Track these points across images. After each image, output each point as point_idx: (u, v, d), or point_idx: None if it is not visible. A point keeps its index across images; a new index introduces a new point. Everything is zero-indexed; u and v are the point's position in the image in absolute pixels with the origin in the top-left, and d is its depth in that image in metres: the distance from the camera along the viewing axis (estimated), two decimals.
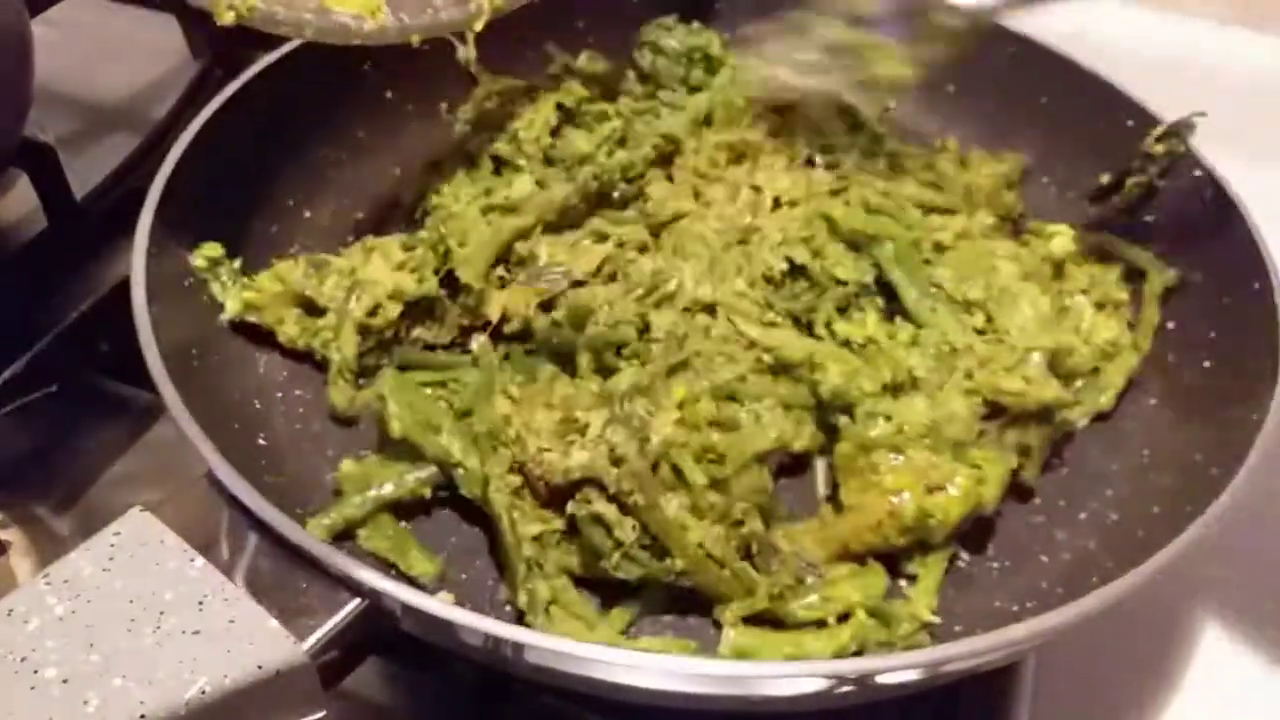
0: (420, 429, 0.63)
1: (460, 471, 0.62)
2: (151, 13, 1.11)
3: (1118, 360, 0.72)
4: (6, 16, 0.79)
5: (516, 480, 0.61)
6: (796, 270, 0.74)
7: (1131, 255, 0.78)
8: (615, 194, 0.78)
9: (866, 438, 0.63)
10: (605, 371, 0.69)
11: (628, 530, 0.59)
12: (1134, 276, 0.78)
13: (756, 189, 0.80)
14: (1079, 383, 0.71)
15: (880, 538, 0.62)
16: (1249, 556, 0.74)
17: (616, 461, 0.59)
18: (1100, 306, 0.76)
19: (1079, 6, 1.14)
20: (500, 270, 0.72)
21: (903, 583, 0.64)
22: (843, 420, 0.66)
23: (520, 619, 0.59)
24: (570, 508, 0.60)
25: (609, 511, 0.59)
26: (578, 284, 0.72)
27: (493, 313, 0.71)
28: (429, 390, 0.67)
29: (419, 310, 0.72)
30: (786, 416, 0.67)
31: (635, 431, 0.60)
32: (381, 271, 0.71)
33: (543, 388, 0.66)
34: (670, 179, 0.82)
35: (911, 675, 0.51)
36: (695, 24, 0.92)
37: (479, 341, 0.72)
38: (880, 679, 0.50)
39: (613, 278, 0.74)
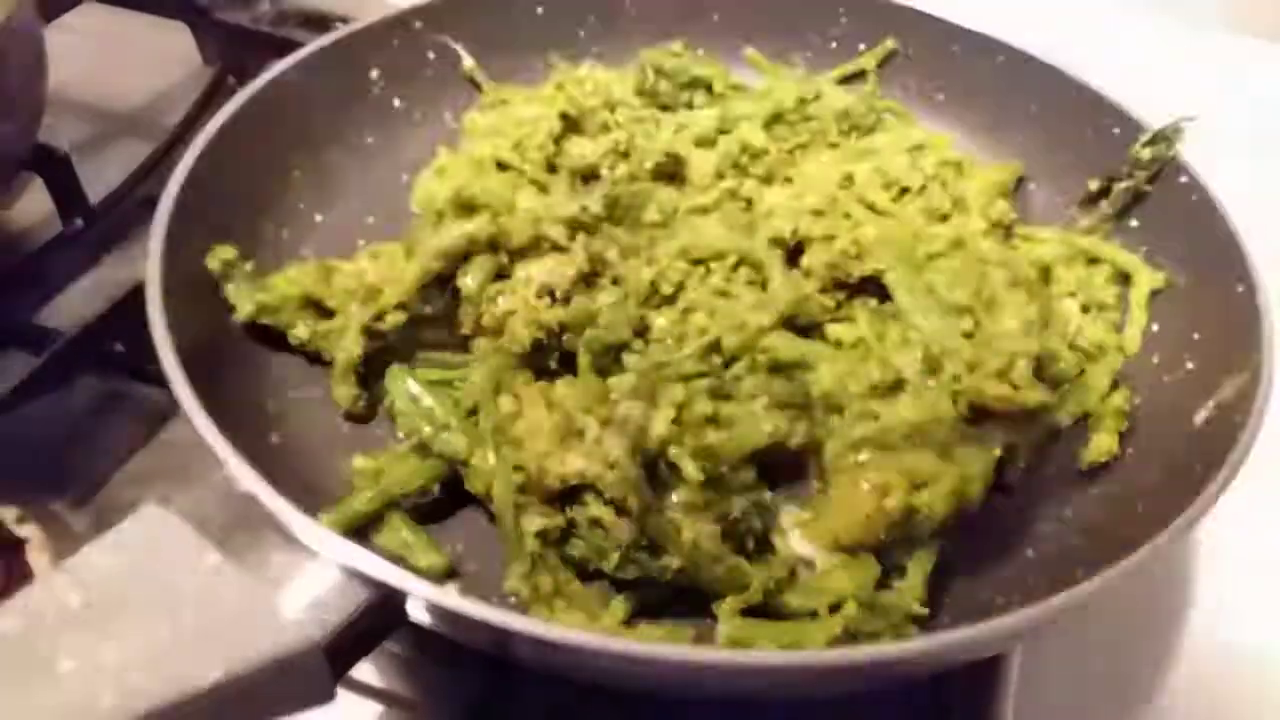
0: (428, 426, 0.65)
1: (466, 468, 0.64)
2: (164, 20, 1.12)
3: (1103, 362, 0.74)
4: (21, 23, 0.80)
5: (520, 477, 0.62)
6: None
7: (1119, 258, 0.79)
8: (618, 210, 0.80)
9: (854, 437, 0.65)
10: (605, 373, 0.70)
11: (625, 532, 0.61)
12: (1121, 279, 0.79)
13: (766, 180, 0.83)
14: (1065, 385, 0.72)
15: (869, 533, 0.64)
16: (1235, 554, 0.75)
17: (611, 466, 0.60)
18: (1087, 309, 0.78)
19: (1066, 14, 1.15)
20: (500, 285, 0.73)
21: (892, 575, 0.66)
22: (832, 420, 0.68)
23: (525, 610, 0.61)
24: (570, 512, 0.62)
25: (606, 515, 0.61)
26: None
27: (491, 322, 0.72)
28: (436, 388, 0.69)
29: (425, 315, 0.74)
30: (782, 414, 0.69)
31: (631, 436, 0.61)
32: (388, 283, 0.72)
33: (545, 386, 0.68)
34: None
35: (898, 666, 0.52)
36: (701, 51, 0.93)
37: (479, 343, 0.73)
38: (870, 669, 0.52)
39: (614, 281, 0.75)
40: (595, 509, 0.61)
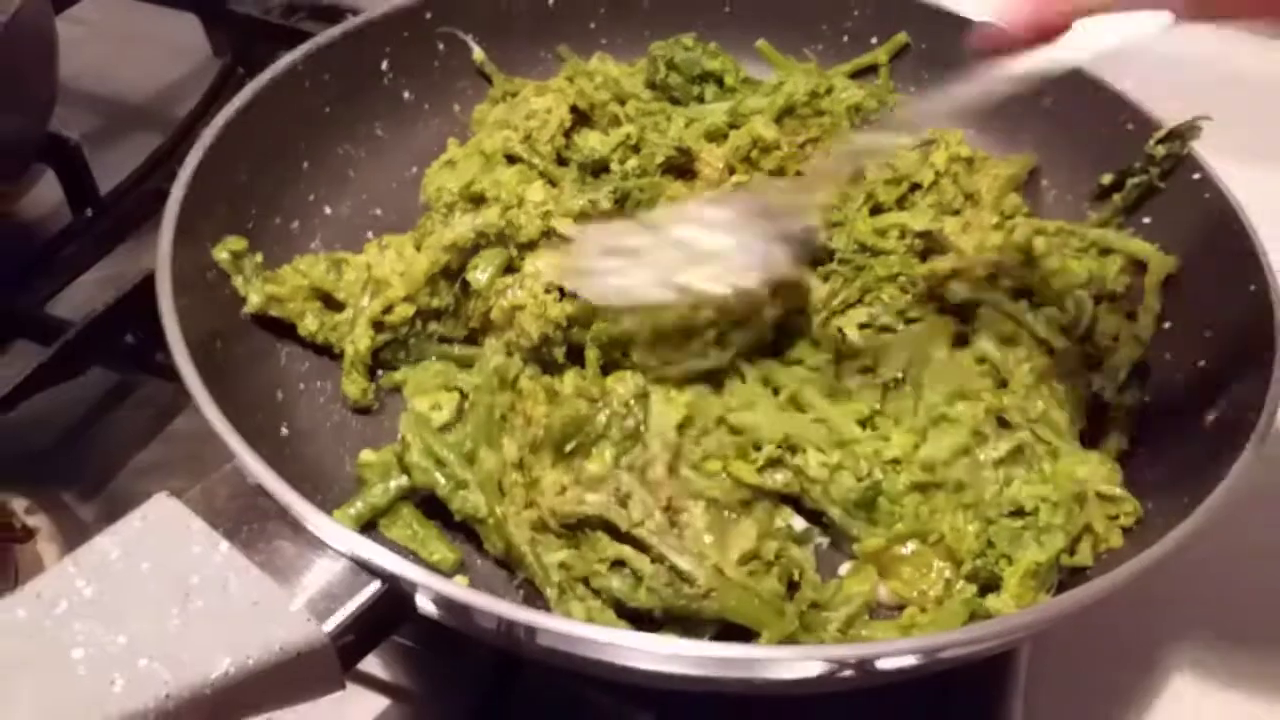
0: (444, 480, 0.63)
1: (482, 526, 0.63)
2: (174, 11, 1.13)
3: (1120, 353, 0.73)
4: (32, 15, 0.80)
5: (533, 514, 0.62)
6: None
7: (1130, 246, 0.79)
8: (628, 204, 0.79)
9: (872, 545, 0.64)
10: (612, 367, 0.70)
11: (647, 565, 0.59)
12: (1133, 270, 0.79)
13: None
14: None
15: None
16: (1239, 553, 0.75)
17: (623, 502, 0.60)
18: (1099, 300, 0.77)
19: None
20: (508, 278, 0.73)
21: None
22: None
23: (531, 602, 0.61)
24: (592, 554, 0.60)
25: (624, 552, 0.59)
26: None
27: (500, 316, 0.72)
28: (445, 392, 0.69)
29: (434, 308, 0.74)
30: None
31: (636, 461, 0.61)
32: (397, 276, 0.72)
33: (550, 381, 0.68)
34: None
35: (909, 661, 0.52)
36: (713, 45, 0.93)
37: (488, 341, 0.73)
38: (878, 664, 0.52)
39: None
40: (612, 549, 0.59)
